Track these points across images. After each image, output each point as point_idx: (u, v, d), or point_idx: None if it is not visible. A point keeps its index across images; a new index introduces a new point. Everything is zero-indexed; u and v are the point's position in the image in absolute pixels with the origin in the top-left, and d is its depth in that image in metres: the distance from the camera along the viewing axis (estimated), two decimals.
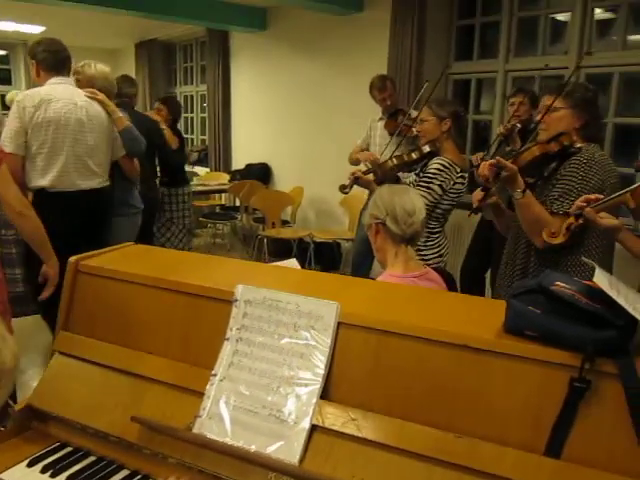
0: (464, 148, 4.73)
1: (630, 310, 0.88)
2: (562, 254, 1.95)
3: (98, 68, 3.21)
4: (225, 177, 6.87)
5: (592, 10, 4.05)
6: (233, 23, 6.48)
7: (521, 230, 2.11)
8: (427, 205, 2.60)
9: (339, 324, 1.08)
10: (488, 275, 3.86)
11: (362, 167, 3.37)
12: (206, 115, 7.67)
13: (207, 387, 1.14)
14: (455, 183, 2.65)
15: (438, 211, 2.69)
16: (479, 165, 2.04)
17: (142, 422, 1.15)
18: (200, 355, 1.20)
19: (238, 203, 6.51)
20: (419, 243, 2.70)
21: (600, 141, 2.12)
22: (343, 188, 3.02)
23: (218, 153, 7.37)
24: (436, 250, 2.74)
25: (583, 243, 1.97)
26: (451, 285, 1.76)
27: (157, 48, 8.48)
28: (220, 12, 6.25)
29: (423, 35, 4.70)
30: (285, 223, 5.90)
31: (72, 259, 1.39)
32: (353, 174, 2.93)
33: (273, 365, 1.12)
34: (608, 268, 2.15)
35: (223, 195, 7.13)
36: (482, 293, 3.83)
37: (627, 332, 0.91)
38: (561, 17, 4.31)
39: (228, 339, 1.17)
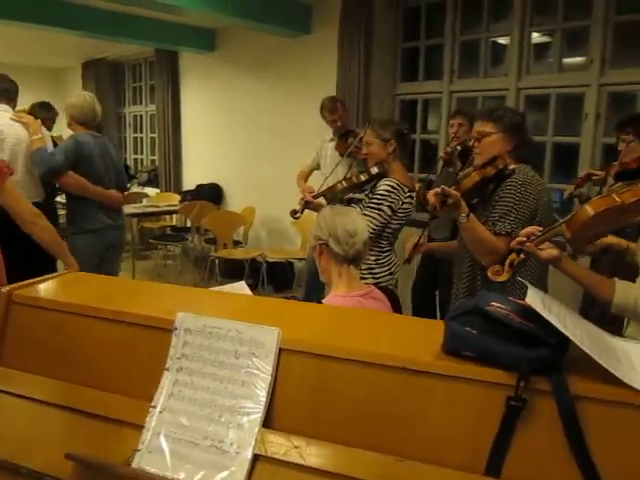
0: (412, 167, 4.85)
1: (561, 328, 0.91)
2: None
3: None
4: (176, 198, 6.78)
5: (529, 34, 4.23)
6: (182, 44, 6.46)
7: (465, 253, 2.21)
8: (377, 226, 2.65)
9: (280, 350, 1.07)
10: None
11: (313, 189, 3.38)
12: (156, 135, 7.57)
13: (146, 419, 1.11)
14: (404, 203, 2.69)
15: (388, 231, 2.73)
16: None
17: (77, 459, 1.10)
18: (140, 386, 1.17)
19: (189, 224, 6.43)
20: (370, 261, 2.74)
21: (530, 161, 2.22)
22: (294, 213, 3.03)
23: (168, 174, 7.28)
24: (387, 268, 2.78)
25: (524, 263, 2.04)
26: (395, 304, 1.78)
27: (105, 67, 8.36)
28: (169, 33, 6.23)
29: (370, 57, 4.80)
30: (237, 244, 5.86)
31: (4, 289, 1.33)
32: (303, 199, 2.95)
33: (214, 394, 1.09)
34: (545, 283, 2.25)
35: (174, 216, 7.03)
36: (433, 311, 3.89)
37: (560, 350, 0.93)
38: (502, 40, 4.48)
39: (168, 369, 1.14)
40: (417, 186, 3.08)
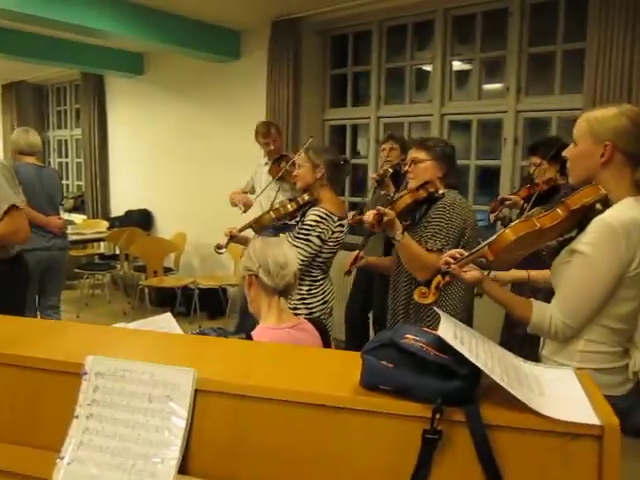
0: (343, 191, 4.92)
1: (472, 359, 0.92)
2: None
3: None
4: (103, 224, 6.56)
5: (450, 62, 4.41)
6: (109, 67, 6.32)
7: (400, 273, 2.36)
8: (306, 257, 2.64)
9: (196, 392, 1.03)
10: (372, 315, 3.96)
11: (236, 220, 3.33)
12: (82, 160, 7.32)
13: (54, 473, 1.04)
14: (334, 232, 2.69)
15: (319, 260, 2.73)
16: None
17: None
18: (48, 437, 1.10)
19: (118, 251, 6.22)
20: (303, 292, 2.73)
21: (458, 187, 2.44)
22: (218, 248, 2.96)
23: (95, 199, 7.05)
24: (320, 298, 2.77)
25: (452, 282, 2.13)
26: (324, 335, 1.77)
27: (27, 90, 8.03)
28: (95, 56, 6.08)
29: (299, 83, 4.86)
30: (168, 271, 5.72)
31: None
32: (228, 232, 2.90)
33: (127, 442, 1.04)
34: (470, 304, 2.37)
35: (102, 244, 6.79)
36: (367, 333, 3.91)
37: (472, 380, 0.94)
38: (427, 67, 4.64)
39: (77, 416, 1.07)
40: (350, 214, 3.14)
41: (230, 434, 1.02)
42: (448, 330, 0.96)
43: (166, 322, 2.12)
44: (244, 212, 3.87)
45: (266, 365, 1.14)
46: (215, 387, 1.03)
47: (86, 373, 1.09)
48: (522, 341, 2.62)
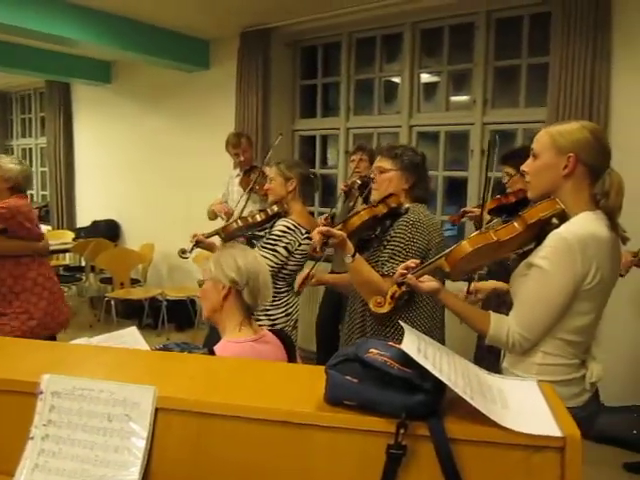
0: (312, 202, 4.92)
1: (436, 373, 0.92)
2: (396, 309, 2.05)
3: None
4: (69, 235, 6.41)
5: (419, 75, 4.46)
6: (75, 75, 6.22)
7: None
8: (273, 267, 2.61)
9: (157, 410, 1.01)
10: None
11: (205, 229, 3.30)
12: (47, 169, 7.17)
13: None
14: (300, 244, 2.68)
15: (285, 272, 2.71)
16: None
17: None
18: (1, 460, 1.05)
19: (84, 263, 6.09)
20: (266, 303, 2.69)
21: (426, 201, 2.26)
22: (182, 253, 2.92)
23: (61, 209, 6.91)
24: (283, 309, 2.74)
25: (414, 299, 2.09)
26: (289, 346, 1.75)
27: None
28: (61, 64, 5.97)
29: (268, 93, 4.86)
30: (136, 282, 5.62)
31: None
32: (194, 237, 2.86)
33: (85, 463, 1.00)
34: (440, 319, 2.29)
35: (67, 255, 6.64)
36: (338, 345, 3.89)
37: (436, 394, 0.94)
38: (395, 79, 4.69)
39: (32, 438, 1.04)
40: (321, 219, 3.12)
41: (192, 453, 1.00)
42: (412, 344, 0.96)
43: (131, 336, 2.07)
44: (227, 221, 3.83)
45: (229, 381, 1.12)
46: (176, 405, 1.01)
47: (42, 392, 1.05)
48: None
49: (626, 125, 3.31)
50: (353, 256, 1.95)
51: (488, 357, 2.88)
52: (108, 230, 6.33)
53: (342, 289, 2.69)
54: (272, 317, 2.70)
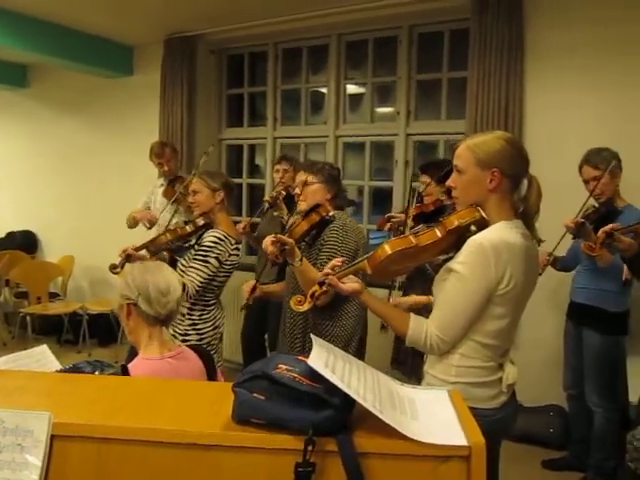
0: (240, 211, 4.87)
1: (344, 387, 0.91)
2: (335, 305, 2.23)
3: None
4: None
5: (344, 86, 4.52)
6: None
7: (296, 292, 2.27)
8: (205, 279, 2.58)
9: (53, 437, 0.94)
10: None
11: (128, 241, 3.19)
12: None
13: None
14: (230, 255, 2.67)
15: (214, 283, 2.68)
16: None
17: None
18: None
19: None
20: (194, 317, 2.65)
21: (344, 208, 2.50)
22: (113, 268, 2.83)
23: None
24: (211, 323, 2.71)
25: (341, 302, 2.17)
26: (208, 362, 1.71)
27: None
28: None
29: (194, 101, 4.79)
30: (54, 296, 5.35)
31: None
32: (124, 251, 2.78)
33: None
34: (364, 324, 2.40)
35: None
36: (264, 355, 3.86)
37: (345, 409, 0.93)
38: (322, 89, 4.73)
39: None
40: (241, 225, 3.14)
41: None
42: (319, 358, 0.95)
43: (42, 355, 1.99)
44: (149, 229, 3.75)
45: (134, 403, 1.07)
46: (74, 431, 0.95)
47: None
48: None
49: (538, 138, 3.48)
50: (300, 260, 2.13)
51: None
52: (24, 241, 6.00)
53: (278, 298, 2.79)
54: (201, 331, 2.66)
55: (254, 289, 2.48)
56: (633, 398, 2.92)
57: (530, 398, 3.42)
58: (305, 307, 1.66)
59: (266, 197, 3.68)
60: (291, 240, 2.14)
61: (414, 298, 2.09)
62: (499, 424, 1.65)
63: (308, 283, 2.16)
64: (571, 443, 3.21)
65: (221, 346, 2.84)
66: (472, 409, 1.50)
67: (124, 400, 1.08)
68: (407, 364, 3.13)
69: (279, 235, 2.13)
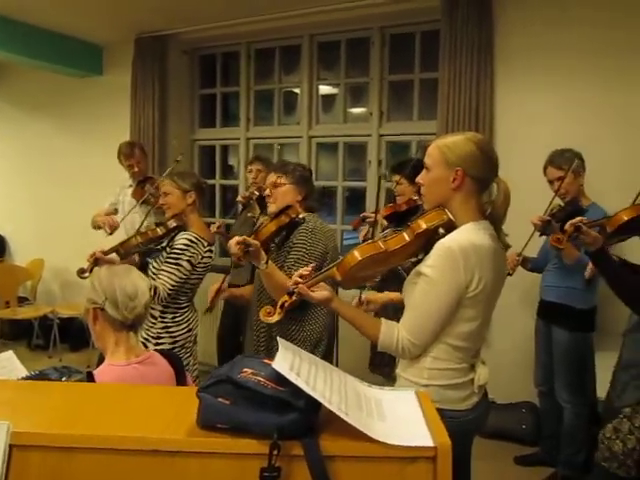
0: (213, 212, 4.84)
1: (309, 391, 0.91)
2: (302, 308, 2.13)
3: None
4: None
5: (317, 87, 4.52)
6: None
7: (262, 301, 2.31)
8: (177, 281, 2.56)
9: (11, 447, 0.92)
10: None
11: (99, 243, 3.14)
12: None
13: None
14: (203, 257, 2.65)
15: (187, 286, 2.65)
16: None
17: None
18: None
19: None
20: (167, 320, 2.62)
21: (316, 210, 2.45)
22: (81, 272, 2.77)
23: None
24: (185, 326, 2.68)
25: (308, 306, 2.14)
26: (178, 366, 1.68)
27: None
28: None
29: (165, 102, 4.74)
30: (24, 300, 5.24)
31: None
32: (92, 255, 2.72)
33: None
34: (331, 326, 2.38)
35: None
36: None
37: (310, 412, 0.93)
38: (295, 90, 4.72)
39: None
40: (214, 225, 3.10)
41: None
42: (284, 361, 0.94)
43: (8, 361, 1.96)
44: (110, 234, 3.66)
45: (97, 410, 1.05)
46: (34, 441, 0.93)
47: None
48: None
49: (508, 138, 3.53)
50: (267, 262, 2.07)
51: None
52: None
53: (245, 302, 2.75)
54: (174, 334, 2.64)
55: (218, 292, 2.46)
56: (602, 394, 2.98)
57: (503, 395, 3.47)
58: (275, 318, 1.65)
59: (239, 197, 3.66)
60: (256, 242, 2.08)
61: (387, 295, 2.07)
62: (471, 424, 1.67)
63: (274, 287, 2.15)
64: (542, 439, 3.26)
65: (196, 349, 2.81)
66: (445, 411, 1.52)
67: (87, 407, 1.06)
68: (385, 367, 3.14)
69: (244, 237, 2.07)
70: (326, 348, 2.36)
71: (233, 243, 2.05)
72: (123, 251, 2.80)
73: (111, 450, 0.92)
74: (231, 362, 1.00)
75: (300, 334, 2.26)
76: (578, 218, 2.01)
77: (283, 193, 2.36)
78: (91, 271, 2.76)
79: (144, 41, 4.70)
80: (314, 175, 2.67)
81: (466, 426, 1.63)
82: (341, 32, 4.32)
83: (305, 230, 2.27)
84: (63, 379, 1.53)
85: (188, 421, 0.96)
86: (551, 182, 2.90)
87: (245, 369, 0.95)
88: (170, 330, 2.63)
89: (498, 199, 1.64)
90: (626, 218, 2.04)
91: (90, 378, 1.42)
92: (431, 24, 3.87)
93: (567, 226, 2.02)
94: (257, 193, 3.50)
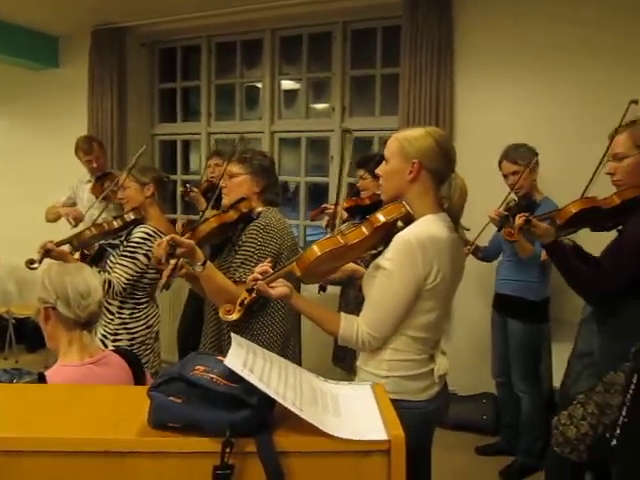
0: (175, 209, 4.77)
1: (262, 387, 0.90)
2: (251, 314, 2.03)
3: None
4: None
5: (279, 82, 4.49)
6: None
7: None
8: (132, 275, 2.50)
9: None
10: None
11: (57, 238, 3.05)
12: None
13: None
14: None
15: (145, 281, 2.60)
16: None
17: None
18: None
19: None
20: (125, 316, 2.57)
21: (278, 204, 2.27)
22: (30, 263, 2.67)
23: None
24: (143, 322, 2.63)
25: (268, 303, 2.08)
26: (135, 365, 1.65)
27: None
28: None
29: (124, 96, 4.64)
30: None
31: None
32: (43, 246, 2.63)
33: None
34: (296, 322, 2.32)
35: None
36: None
37: (264, 408, 0.92)
38: (258, 84, 4.68)
39: None
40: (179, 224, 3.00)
41: None
42: (237, 358, 0.93)
43: None
44: (75, 226, 3.57)
45: (48, 412, 1.02)
46: None
47: None
48: None
49: (467, 133, 3.59)
50: (204, 264, 1.87)
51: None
52: None
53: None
54: (132, 330, 2.58)
55: (174, 269, 2.22)
56: (558, 383, 3.06)
57: (464, 387, 3.52)
58: (234, 316, 1.63)
59: (180, 189, 3.58)
60: (188, 241, 1.84)
61: (352, 266, 1.98)
62: (432, 415, 1.69)
63: (214, 292, 1.96)
64: (501, 428, 3.33)
65: (157, 345, 2.76)
66: (405, 401, 1.54)
67: (36, 409, 1.03)
68: (347, 360, 3.15)
69: (174, 235, 1.85)
70: (283, 342, 2.21)
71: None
72: (77, 243, 2.74)
73: (60, 453, 0.90)
74: (184, 359, 0.98)
75: (259, 320, 2.12)
76: (527, 212, 2.06)
77: (238, 184, 2.15)
78: (40, 262, 2.66)
79: (101, 33, 4.59)
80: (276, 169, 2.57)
81: (427, 416, 1.65)
82: (303, 27, 4.30)
83: (257, 227, 2.06)
84: (14, 381, 1.48)
85: (140, 421, 0.94)
86: (506, 176, 2.96)
87: (198, 366, 0.94)
88: (128, 327, 2.58)
89: (454, 194, 1.66)
90: (574, 211, 2.10)
91: (42, 379, 1.38)
92: (393, 20, 3.89)
93: (517, 218, 2.06)
94: (205, 185, 3.45)
